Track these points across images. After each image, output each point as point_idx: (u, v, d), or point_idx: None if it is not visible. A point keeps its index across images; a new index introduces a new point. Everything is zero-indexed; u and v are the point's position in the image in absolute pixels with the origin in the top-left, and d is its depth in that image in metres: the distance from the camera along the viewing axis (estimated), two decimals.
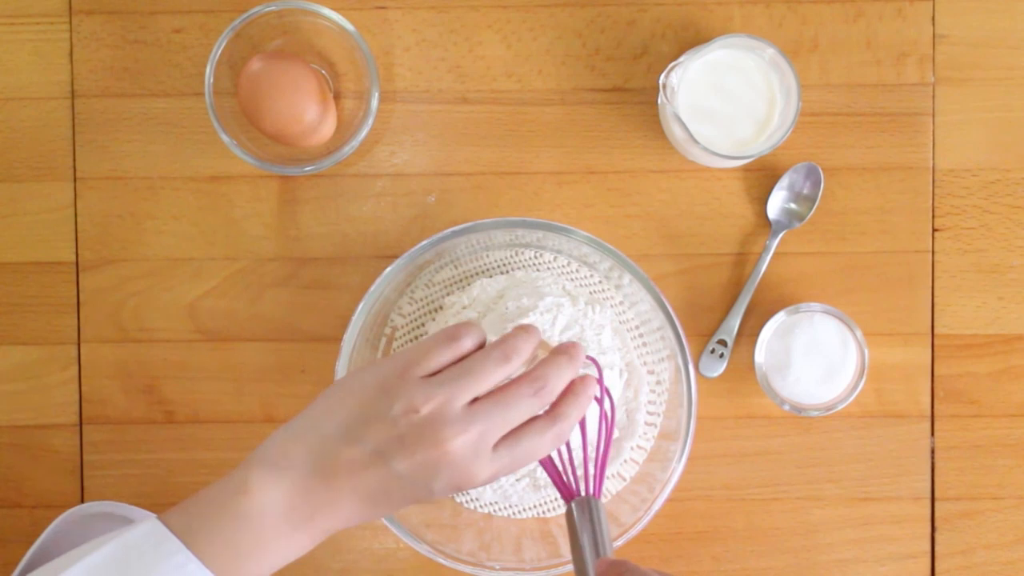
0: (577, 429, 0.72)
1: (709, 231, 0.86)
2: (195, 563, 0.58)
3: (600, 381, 0.70)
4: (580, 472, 0.71)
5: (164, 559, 0.58)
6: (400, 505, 0.63)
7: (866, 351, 0.83)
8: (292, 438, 0.62)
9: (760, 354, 0.84)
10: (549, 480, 0.79)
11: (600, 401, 0.70)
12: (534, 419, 0.64)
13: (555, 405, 0.65)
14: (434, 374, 0.63)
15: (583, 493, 0.68)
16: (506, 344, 0.64)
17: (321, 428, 0.62)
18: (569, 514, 0.68)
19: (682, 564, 0.86)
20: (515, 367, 0.64)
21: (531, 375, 0.64)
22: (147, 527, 0.60)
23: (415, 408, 0.61)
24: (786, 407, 0.83)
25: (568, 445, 0.70)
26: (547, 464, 0.70)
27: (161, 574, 0.58)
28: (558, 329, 0.80)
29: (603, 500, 0.71)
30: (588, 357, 0.73)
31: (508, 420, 0.62)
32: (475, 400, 0.62)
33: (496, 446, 0.62)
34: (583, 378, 0.67)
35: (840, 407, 0.83)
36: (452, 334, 0.64)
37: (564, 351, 0.66)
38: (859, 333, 0.83)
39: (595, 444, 0.70)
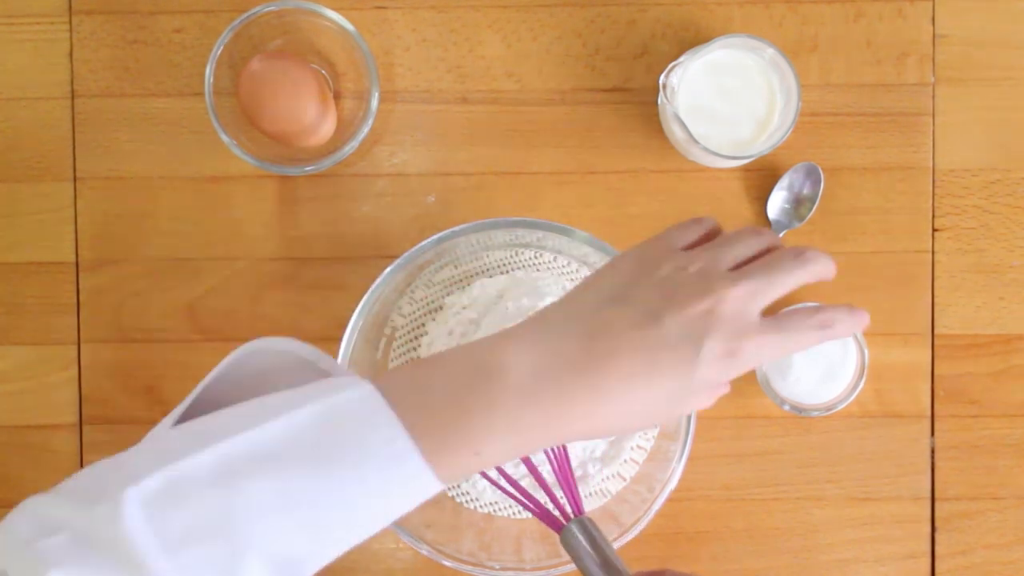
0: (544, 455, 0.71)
1: None
2: (413, 452, 0.51)
3: None
4: (559, 496, 0.70)
5: (379, 441, 0.51)
6: (666, 375, 0.54)
7: (866, 351, 0.83)
8: (543, 315, 0.56)
9: None
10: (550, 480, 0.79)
11: None
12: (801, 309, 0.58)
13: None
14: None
15: (571, 516, 0.66)
16: (755, 229, 0.60)
17: (582, 300, 0.57)
18: (567, 542, 0.66)
19: (682, 564, 0.86)
20: (770, 240, 0.59)
21: (788, 249, 0.58)
22: (362, 393, 0.53)
23: (683, 267, 0.56)
24: (786, 407, 0.83)
25: (538, 475, 0.69)
26: (524, 500, 0.69)
27: (373, 454, 0.51)
28: None
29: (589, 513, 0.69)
30: None
31: (773, 283, 0.56)
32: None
33: (763, 317, 0.56)
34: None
35: (840, 407, 0.83)
36: (693, 219, 0.61)
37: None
38: (859, 333, 0.82)
39: (560, 461, 0.70)
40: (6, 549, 0.54)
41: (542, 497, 0.71)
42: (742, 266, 0.57)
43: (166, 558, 0.49)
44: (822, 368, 0.83)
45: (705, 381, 0.55)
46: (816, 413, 0.84)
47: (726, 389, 0.57)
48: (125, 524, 0.50)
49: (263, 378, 0.59)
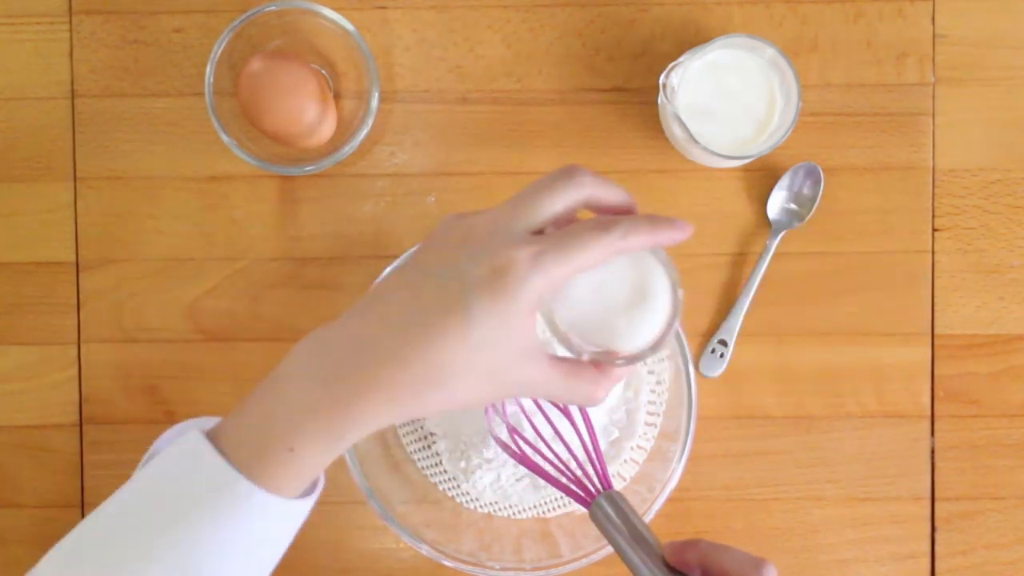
0: (570, 430, 0.72)
1: (709, 231, 0.86)
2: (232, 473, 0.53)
3: None
4: (588, 471, 0.70)
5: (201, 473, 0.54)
6: (429, 321, 0.52)
7: (680, 291, 0.59)
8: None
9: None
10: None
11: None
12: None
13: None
14: None
15: (600, 490, 0.66)
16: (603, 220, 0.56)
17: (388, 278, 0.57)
18: (597, 516, 0.65)
19: None
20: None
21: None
22: (188, 441, 0.55)
23: (469, 223, 0.55)
24: (585, 356, 0.60)
25: (568, 447, 0.70)
26: (556, 476, 0.70)
27: (205, 491, 0.53)
28: None
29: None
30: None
31: (540, 206, 0.54)
32: None
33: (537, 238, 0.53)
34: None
35: (649, 354, 0.63)
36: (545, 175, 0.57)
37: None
38: (664, 255, 0.59)
39: (591, 437, 0.70)
40: None
41: (567, 475, 0.71)
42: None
43: None
44: (614, 296, 0.59)
45: (485, 296, 0.51)
46: (620, 362, 0.59)
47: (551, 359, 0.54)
48: None
49: None
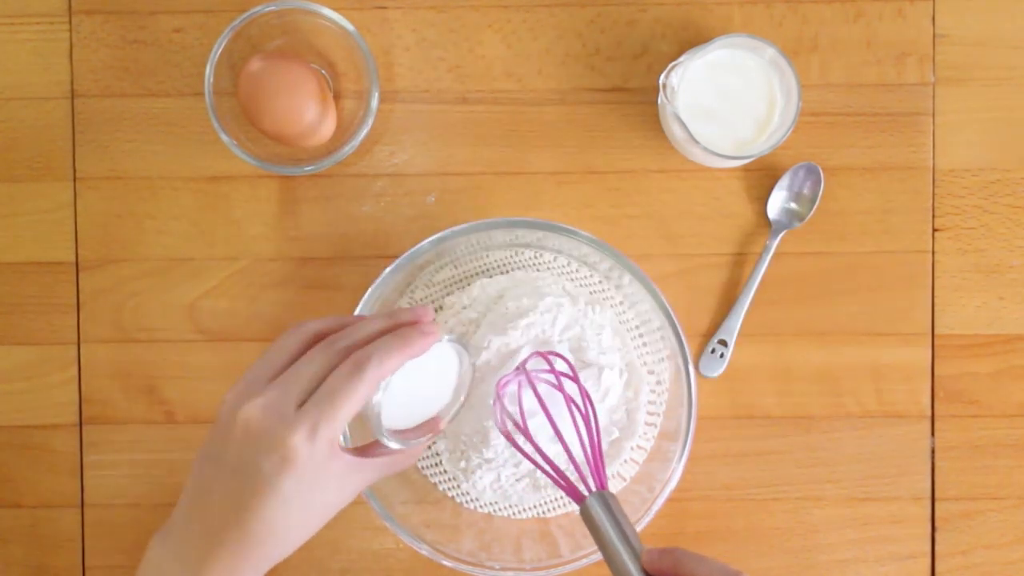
0: (572, 428, 0.72)
1: (709, 231, 0.86)
2: None
3: (574, 375, 0.71)
4: (583, 470, 0.71)
5: None
6: (254, 511, 0.61)
7: (466, 360, 0.72)
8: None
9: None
10: (549, 480, 0.79)
11: (584, 394, 0.71)
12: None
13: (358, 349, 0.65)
14: None
15: (592, 490, 0.67)
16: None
17: (199, 460, 0.65)
18: (587, 514, 0.66)
19: None
20: (341, 346, 0.65)
21: (351, 358, 0.64)
22: None
23: (254, 417, 0.62)
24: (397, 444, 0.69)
25: (566, 445, 0.70)
26: (550, 470, 0.70)
27: None
28: (558, 329, 0.80)
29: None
30: (555, 353, 0.73)
31: (301, 375, 0.63)
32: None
33: (300, 406, 0.62)
34: (408, 326, 0.66)
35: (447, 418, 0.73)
36: (288, 333, 0.67)
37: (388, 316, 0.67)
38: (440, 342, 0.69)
39: (590, 437, 0.70)
40: None
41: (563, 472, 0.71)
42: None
43: None
44: (418, 390, 0.70)
45: (286, 476, 0.61)
46: (414, 442, 0.69)
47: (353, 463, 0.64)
48: None
49: None
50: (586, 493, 0.67)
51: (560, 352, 0.74)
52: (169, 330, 0.87)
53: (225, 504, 0.62)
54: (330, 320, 0.67)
